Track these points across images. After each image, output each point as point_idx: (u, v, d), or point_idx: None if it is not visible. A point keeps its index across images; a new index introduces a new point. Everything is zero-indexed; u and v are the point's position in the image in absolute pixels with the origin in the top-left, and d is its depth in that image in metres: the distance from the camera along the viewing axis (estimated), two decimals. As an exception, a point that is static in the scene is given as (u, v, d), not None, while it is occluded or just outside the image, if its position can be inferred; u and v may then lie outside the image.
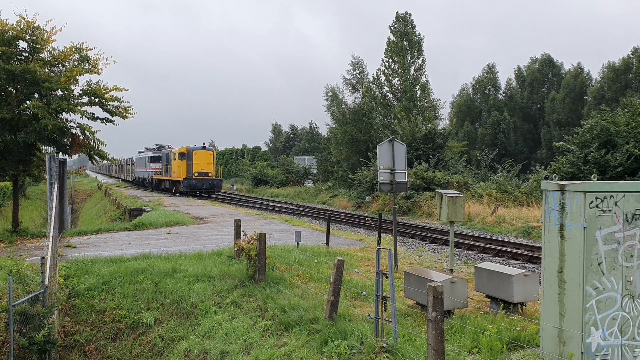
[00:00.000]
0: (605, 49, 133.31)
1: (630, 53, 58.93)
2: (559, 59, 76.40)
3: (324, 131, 69.07)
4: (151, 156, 52.85)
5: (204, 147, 43.76)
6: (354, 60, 49.68)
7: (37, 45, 17.34)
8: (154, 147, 56.37)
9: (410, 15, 47.61)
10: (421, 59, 47.52)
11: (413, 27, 47.57)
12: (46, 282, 9.45)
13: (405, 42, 47.08)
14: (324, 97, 50.96)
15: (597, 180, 6.14)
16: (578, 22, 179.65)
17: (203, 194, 43.41)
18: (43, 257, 9.71)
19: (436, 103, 47.77)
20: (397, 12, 47.79)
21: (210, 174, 42.94)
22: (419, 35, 47.73)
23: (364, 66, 49.44)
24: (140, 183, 58.85)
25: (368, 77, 49.28)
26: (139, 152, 61.46)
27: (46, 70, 17.55)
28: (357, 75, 49.34)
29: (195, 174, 41.81)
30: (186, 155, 42.56)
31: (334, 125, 50.55)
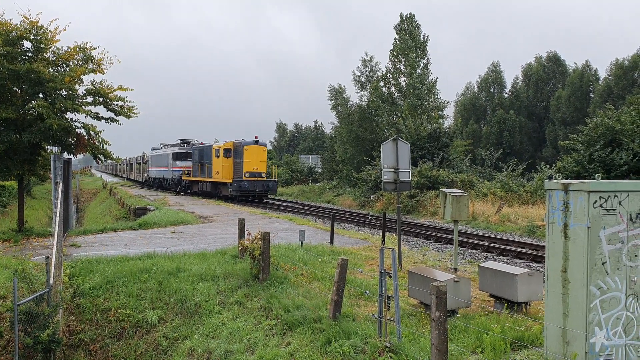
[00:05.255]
0: (610, 48, 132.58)
1: (639, 50, 58.79)
2: (565, 58, 76.09)
3: (328, 129, 69.16)
4: (176, 153, 46.06)
5: (256, 142, 36.52)
6: (366, 58, 49.82)
7: (41, 45, 17.40)
8: (178, 142, 49.59)
9: (413, 15, 48.41)
10: (426, 58, 47.86)
11: (418, 27, 48.20)
12: (51, 282, 9.48)
13: (411, 42, 47.56)
14: (327, 96, 51.00)
15: (602, 179, 6.11)
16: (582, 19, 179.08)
17: (252, 199, 36.71)
18: (48, 257, 9.74)
19: (442, 102, 47.88)
20: (401, 13, 49.45)
21: (263, 174, 36.29)
22: (425, 35, 48.54)
23: (375, 63, 49.58)
24: (157, 184, 52.49)
25: (378, 72, 49.50)
26: (154, 149, 55.78)
27: (50, 69, 17.62)
28: (367, 72, 49.44)
29: (247, 175, 35.12)
30: (233, 152, 36.27)
31: (338, 124, 50.58)
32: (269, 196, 38.90)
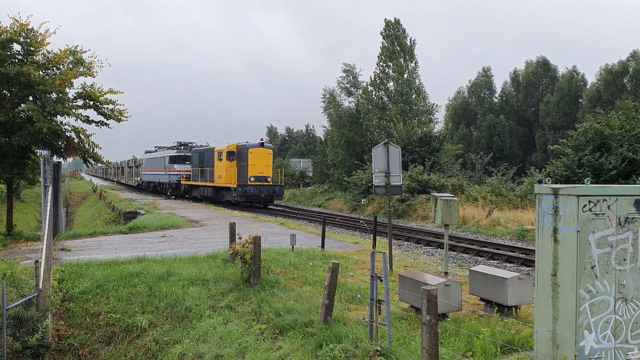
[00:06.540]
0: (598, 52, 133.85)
1: (629, 56, 59.32)
2: (555, 63, 76.65)
3: (320, 133, 69.39)
4: (174, 156, 44.14)
5: (262, 144, 34.68)
6: (346, 67, 50.23)
7: (31, 48, 17.32)
8: (175, 144, 47.17)
9: (399, 20, 48.97)
10: (414, 62, 48.12)
11: (404, 31, 48.65)
12: (40, 286, 9.41)
13: (397, 47, 48.04)
14: (321, 99, 51.28)
15: (591, 183, 6.16)
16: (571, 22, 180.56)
17: (256, 205, 34.90)
18: (37, 261, 9.67)
19: (431, 106, 48.10)
20: (385, 19, 49.36)
21: (269, 179, 34.57)
22: (412, 39, 48.87)
23: (356, 71, 50.07)
24: (151, 189, 50.61)
25: (361, 77, 50.01)
26: (147, 152, 53.51)
27: (40, 73, 17.53)
28: (351, 80, 49.88)
29: (252, 179, 33.32)
30: (237, 155, 34.63)
31: (330, 128, 50.77)
32: (275, 202, 37.26)
